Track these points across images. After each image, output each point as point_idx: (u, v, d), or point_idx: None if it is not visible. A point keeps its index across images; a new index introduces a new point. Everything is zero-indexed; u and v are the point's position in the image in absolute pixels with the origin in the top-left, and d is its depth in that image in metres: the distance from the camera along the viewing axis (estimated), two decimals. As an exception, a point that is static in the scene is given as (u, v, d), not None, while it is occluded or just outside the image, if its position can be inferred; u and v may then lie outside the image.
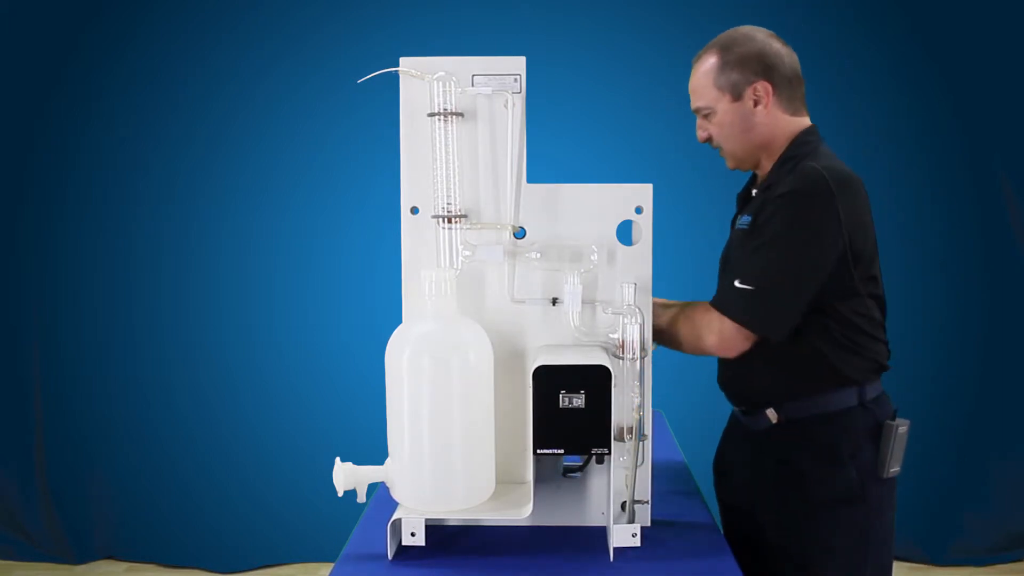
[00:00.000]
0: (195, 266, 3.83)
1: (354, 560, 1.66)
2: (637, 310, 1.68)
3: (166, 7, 3.74)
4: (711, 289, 1.88)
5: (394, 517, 1.64)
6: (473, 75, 1.71)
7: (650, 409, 1.74)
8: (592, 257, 1.73)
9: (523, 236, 1.75)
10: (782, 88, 1.84)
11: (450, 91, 1.70)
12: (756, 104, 1.83)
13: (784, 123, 1.85)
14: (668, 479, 2.06)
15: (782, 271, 1.72)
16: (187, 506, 3.84)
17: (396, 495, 1.68)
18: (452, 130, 1.70)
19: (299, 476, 3.74)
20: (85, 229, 3.83)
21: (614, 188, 1.74)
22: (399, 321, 1.74)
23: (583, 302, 1.72)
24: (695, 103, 1.90)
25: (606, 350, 1.71)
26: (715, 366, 1.97)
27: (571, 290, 1.71)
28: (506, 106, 1.71)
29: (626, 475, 1.68)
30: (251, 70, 3.74)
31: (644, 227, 1.74)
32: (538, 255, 1.73)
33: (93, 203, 3.82)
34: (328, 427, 3.70)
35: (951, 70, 3.71)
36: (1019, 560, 3.80)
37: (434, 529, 1.74)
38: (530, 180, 1.75)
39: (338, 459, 1.69)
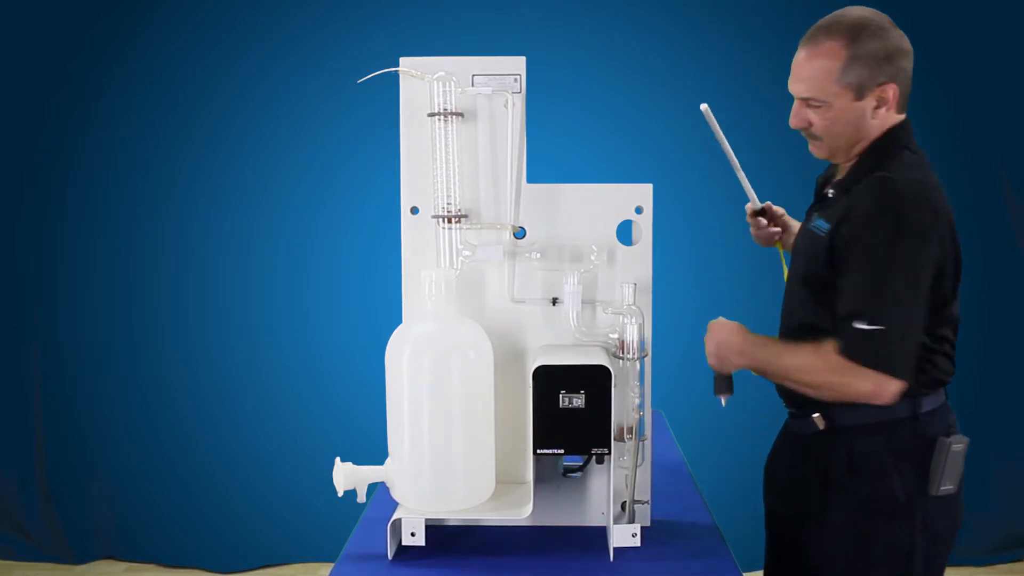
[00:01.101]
0: (195, 266, 3.82)
1: (354, 560, 1.66)
2: (637, 310, 1.68)
3: (166, 7, 3.74)
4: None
5: (394, 517, 1.64)
6: (473, 75, 1.71)
7: (650, 409, 1.74)
8: (592, 257, 1.73)
9: (523, 236, 1.75)
10: (903, 90, 1.71)
11: (450, 91, 1.70)
12: (878, 107, 1.69)
13: (890, 122, 1.73)
14: (668, 479, 2.06)
15: (903, 304, 1.60)
16: (187, 506, 3.83)
17: (396, 495, 1.68)
18: (452, 130, 1.70)
19: (299, 476, 3.74)
20: (85, 229, 3.82)
21: (614, 188, 1.74)
22: (399, 321, 1.74)
23: (583, 302, 1.72)
24: (804, 91, 1.71)
25: (606, 350, 1.71)
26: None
27: (571, 290, 1.71)
28: (506, 106, 1.72)
29: (626, 475, 1.68)
30: (251, 70, 3.74)
31: (644, 227, 1.74)
32: (538, 255, 1.73)
33: (93, 203, 3.81)
34: (328, 427, 3.70)
35: (951, 70, 3.71)
36: (1019, 560, 3.80)
37: (434, 529, 1.74)
38: (530, 180, 1.75)
39: (338, 459, 1.69)
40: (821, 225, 1.71)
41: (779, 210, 2.10)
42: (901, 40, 1.69)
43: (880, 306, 1.59)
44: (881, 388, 1.60)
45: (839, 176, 1.79)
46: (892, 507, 1.69)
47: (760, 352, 1.75)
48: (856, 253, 1.62)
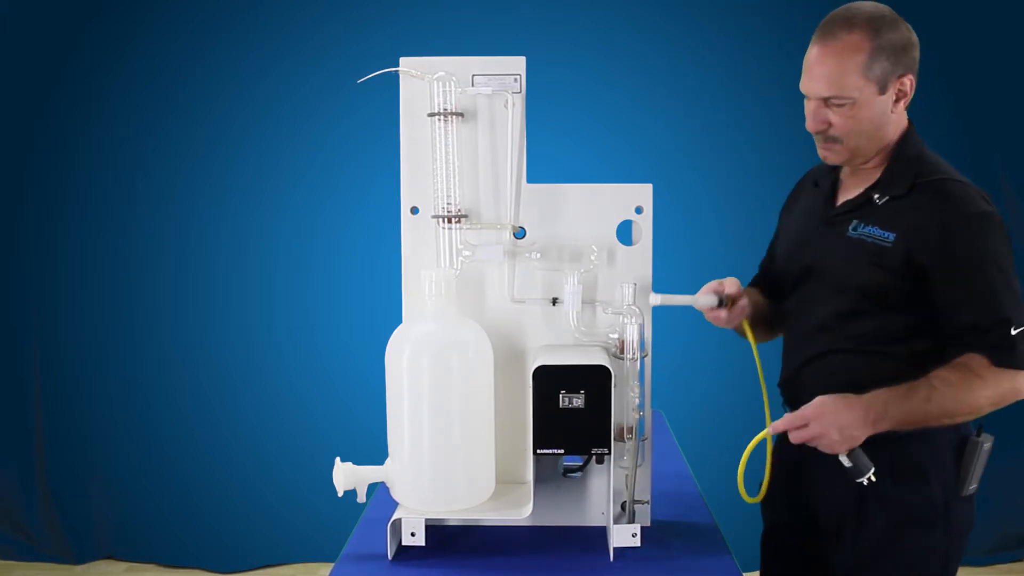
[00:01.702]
0: (195, 266, 3.82)
1: (354, 560, 1.66)
2: (637, 310, 1.68)
3: (166, 7, 3.74)
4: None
5: (394, 517, 1.64)
6: (473, 75, 1.71)
7: (650, 409, 1.74)
8: (592, 257, 1.73)
9: (523, 236, 1.75)
10: (915, 83, 1.68)
11: (450, 91, 1.70)
12: (898, 100, 1.67)
13: (903, 122, 1.72)
14: (668, 479, 2.06)
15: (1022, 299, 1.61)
16: (187, 506, 3.83)
17: (396, 495, 1.68)
18: (452, 130, 1.70)
19: (299, 476, 3.74)
20: (85, 229, 3.82)
21: (614, 188, 1.75)
22: (399, 321, 1.74)
23: (583, 302, 1.72)
24: (826, 89, 1.64)
25: (606, 350, 1.71)
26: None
27: (571, 290, 1.71)
28: (506, 106, 1.72)
29: (626, 475, 1.68)
30: (251, 70, 3.74)
31: (644, 227, 1.74)
32: (538, 255, 1.73)
33: (93, 203, 3.81)
34: (328, 427, 3.70)
35: (951, 70, 3.71)
36: (1019, 560, 3.80)
37: (434, 529, 1.74)
38: (530, 180, 1.75)
39: (338, 459, 1.70)
40: (877, 233, 1.66)
41: (733, 283, 1.80)
42: (911, 32, 1.67)
43: (1019, 307, 1.59)
44: None
45: (869, 180, 1.72)
46: (931, 514, 1.67)
47: (900, 406, 1.58)
48: (968, 261, 1.59)
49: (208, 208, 3.81)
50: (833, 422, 1.57)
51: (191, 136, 3.77)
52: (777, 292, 1.90)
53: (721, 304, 1.76)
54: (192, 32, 3.74)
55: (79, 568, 3.83)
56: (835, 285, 1.72)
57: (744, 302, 1.80)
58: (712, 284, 1.79)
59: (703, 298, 1.76)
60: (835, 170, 1.82)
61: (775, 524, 1.93)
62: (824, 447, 1.59)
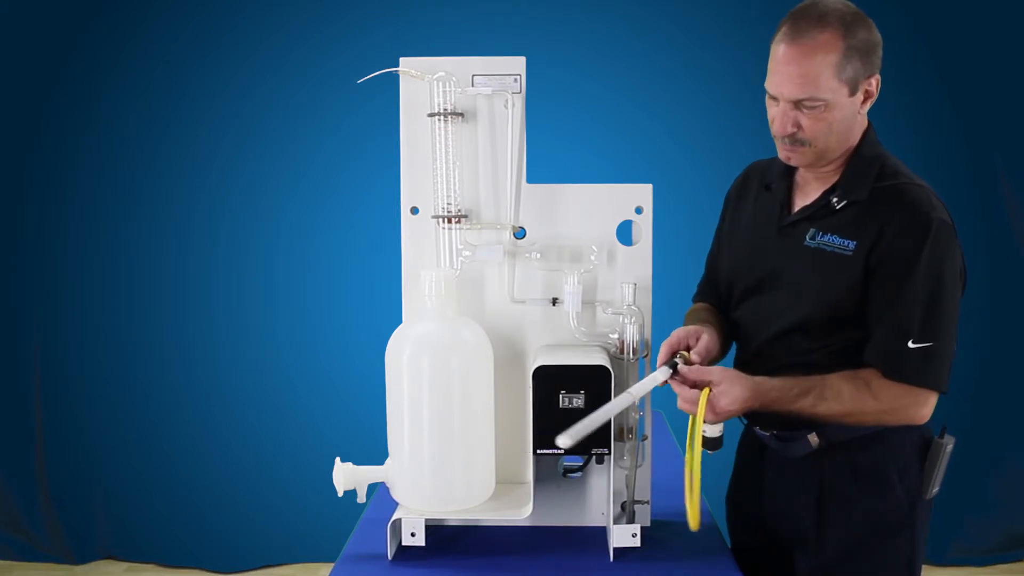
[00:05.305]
0: (195, 266, 3.82)
1: (354, 560, 1.66)
2: (637, 310, 1.68)
3: (166, 7, 3.74)
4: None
5: (394, 517, 1.65)
6: (473, 75, 1.71)
7: (650, 409, 1.74)
8: (592, 257, 1.73)
9: (523, 236, 1.75)
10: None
11: (450, 91, 1.70)
12: (865, 101, 1.60)
13: (864, 122, 1.66)
14: (668, 479, 2.06)
15: (950, 320, 1.57)
16: (187, 506, 3.83)
17: (396, 495, 1.69)
18: (452, 130, 1.71)
19: (299, 476, 3.74)
20: (85, 229, 3.82)
21: (614, 188, 1.75)
22: (399, 321, 1.74)
23: (583, 302, 1.72)
24: (801, 91, 1.54)
25: (606, 350, 1.71)
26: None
27: (571, 290, 1.71)
28: (506, 106, 1.72)
29: (626, 475, 1.68)
30: (251, 70, 3.74)
31: (644, 227, 1.74)
32: (538, 255, 1.73)
33: (93, 203, 3.81)
34: (328, 427, 3.70)
35: (951, 70, 3.71)
36: (1019, 560, 3.80)
37: (434, 529, 1.74)
38: (530, 180, 1.75)
39: (338, 459, 1.70)
40: (837, 242, 1.61)
41: (696, 342, 1.65)
42: (876, 31, 1.60)
43: (931, 321, 1.54)
44: (929, 407, 1.58)
45: (827, 182, 1.66)
46: (897, 521, 1.65)
47: (785, 403, 1.56)
48: (914, 269, 1.54)
49: (208, 208, 3.80)
50: (727, 392, 1.52)
51: (191, 136, 3.77)
52: (725, 298, 1.83)
53: (675, 372, 1.57)
54: (192, 32, 3.74)
55: (79, 568, 3.83)
56: (794, 296, 1.65)
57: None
58: (664, 350, 1.63)
59: (659, 373, 1.58)
60: (789, 173, 1.73)
61: (740, 542, 1.86)
62: (705, 415, 1.51)
